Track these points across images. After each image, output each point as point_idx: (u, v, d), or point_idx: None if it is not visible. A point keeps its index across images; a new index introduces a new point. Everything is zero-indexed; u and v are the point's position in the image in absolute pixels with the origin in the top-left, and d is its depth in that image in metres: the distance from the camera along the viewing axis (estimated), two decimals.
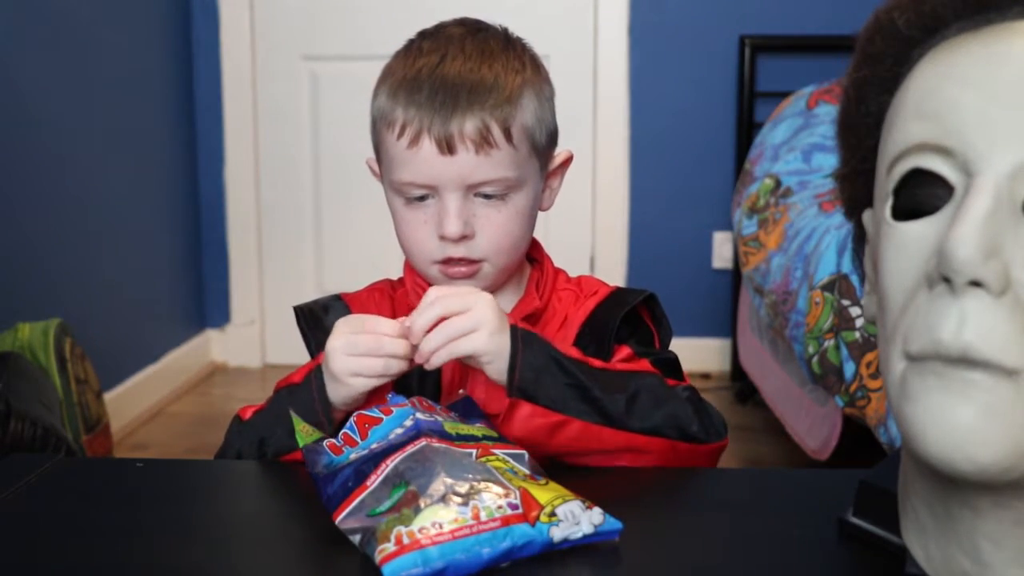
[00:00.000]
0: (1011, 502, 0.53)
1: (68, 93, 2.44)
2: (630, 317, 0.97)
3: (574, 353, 0.88)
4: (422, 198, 0.93)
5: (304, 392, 0.88)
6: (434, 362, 0.83)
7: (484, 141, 0.90)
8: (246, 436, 0.92)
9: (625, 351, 0.96)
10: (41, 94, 2.33)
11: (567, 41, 3.15)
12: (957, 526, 0.56)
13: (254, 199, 3.26)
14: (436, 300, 0.84)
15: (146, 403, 2.81)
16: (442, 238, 0.92)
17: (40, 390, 1.86)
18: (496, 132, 0.90)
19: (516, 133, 0.92)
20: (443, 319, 0.83)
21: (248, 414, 0.94)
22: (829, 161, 2.35)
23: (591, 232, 3.21)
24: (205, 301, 3.31)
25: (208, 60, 3.20)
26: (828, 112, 2.51)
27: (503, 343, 0.84)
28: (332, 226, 3.26)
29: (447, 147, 0.90)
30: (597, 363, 0.89)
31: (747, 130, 3.03)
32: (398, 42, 0.99)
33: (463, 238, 0.92)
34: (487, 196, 0.92)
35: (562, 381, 0.85)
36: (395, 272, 1.06)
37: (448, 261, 0.93)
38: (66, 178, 2.43)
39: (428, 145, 0.90)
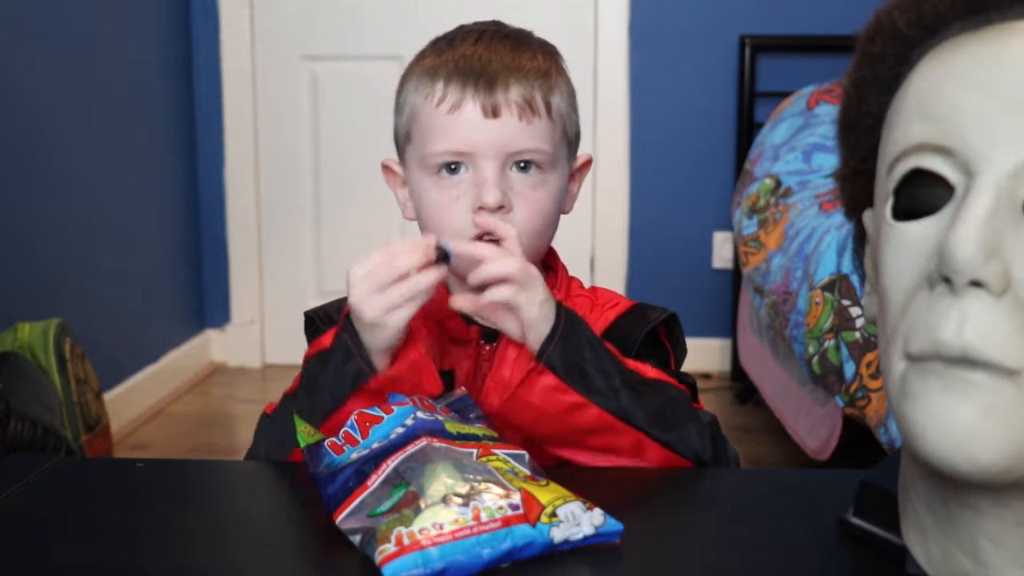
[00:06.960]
0: (1011, 502, 0.53)
1: (68, 93, 2.44)
2: (648, 335, 0.97)
3: (610, 348, 0.88)
4: (454, 170, 0.92)
5: (338, 352, 0.86)
6: (477, 278, 0.83)
7: (528, 107, 0.91)
8: (277, 423, 0.91)
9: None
10: (41, 94, 2.32)
11: (567, 41, 3.13)
12: (957, 526, 0.56)
13: (254, 199, 3.26)
14: (494, 259, 0.84)
15: (146, 403, 2.81)
16: (480, 209, 0.90)
17: (40, 390, 1.86)
18: (539, 101, 0.92)
19: (555, 109, 0.93)
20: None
21: (272, 408, 0.94)
22: (829, 161, 2.35)
23: (591, 232, 3.21)
24: (205, 301, 3.31)
25: (208, 60, 3.19)
26: (828, 112, 2.51)
27: (549, 313, 0.85)
28: (332, 226, 3.26)
29: (492, 111, 0.90)
30: (631, 363, 0.89)
31: (747, 130, 3.03)
32: (398, 42, 0.99)
33: (500, 209, 0.90)
34: (523, 170, 0.92)
35: (594, 366, 0.85)
36: None
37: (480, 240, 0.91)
38: (66, 178, 2.43)
39: (471, 109, 0.90)
